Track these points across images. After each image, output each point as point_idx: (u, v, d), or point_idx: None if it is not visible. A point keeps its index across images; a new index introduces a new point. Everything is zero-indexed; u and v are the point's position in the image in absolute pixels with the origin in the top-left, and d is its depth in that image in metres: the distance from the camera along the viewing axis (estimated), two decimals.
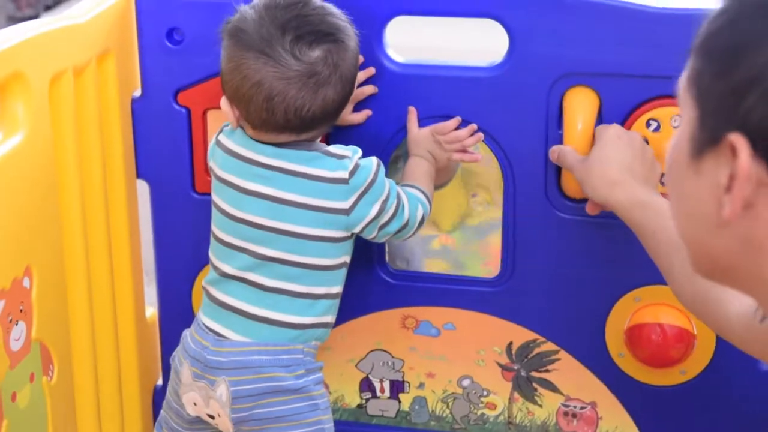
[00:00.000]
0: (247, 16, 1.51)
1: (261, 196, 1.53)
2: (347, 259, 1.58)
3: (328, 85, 1.50)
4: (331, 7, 1.54)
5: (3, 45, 1.42)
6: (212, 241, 1.59)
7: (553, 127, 1.64)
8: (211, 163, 1.60)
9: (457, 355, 1.79)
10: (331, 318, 1.59)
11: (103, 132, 1.69)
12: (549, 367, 1.76)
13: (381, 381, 1.84)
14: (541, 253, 1.70)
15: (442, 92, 1.66)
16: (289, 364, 1.54)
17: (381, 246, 1.75)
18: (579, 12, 1.59)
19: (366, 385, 1.85)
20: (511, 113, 1.65)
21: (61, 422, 1.60)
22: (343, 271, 1.58)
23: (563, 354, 1.75)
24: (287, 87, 1.48)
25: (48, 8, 5.37)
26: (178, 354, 1.61)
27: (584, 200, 1.66)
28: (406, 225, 1.57)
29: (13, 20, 5.05)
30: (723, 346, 1.68)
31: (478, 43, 1.85)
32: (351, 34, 1.53)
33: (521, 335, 1.75)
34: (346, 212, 1.52)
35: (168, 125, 1.74)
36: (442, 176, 1.72)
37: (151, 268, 1.83)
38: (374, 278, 1.77)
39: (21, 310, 1.47)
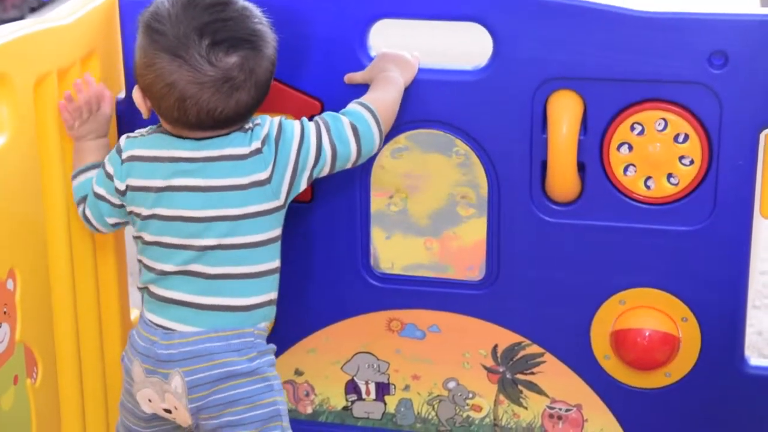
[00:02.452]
0: (163, 11, 1.50)
1: (189, 189, 1.53)
2: (280, 231, 1.57)
3: (242, 90, 1.50)
4: (253, 9, 1.53)
5: None
6: (141, 245, 1.57)
7: (538, 130, 1.64)
8: (124, 183, 1.55)
9: (442, 357, 1.79)
10: (275, 294, 1.58)
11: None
12: (534, 370, 1.77)
13: (366, 383, 1.84)
14: (526, 256, 1.71)
15: (426, 96, 1.66)
16: (240, 348, 1.54)
17: (366, 248, 1.75)
18: (563, 16, 1.59)
19: (351, 388, 1.85)
20: (496, 117, 1.65)
21: (45, 424, 1.60)
22: (279, 244, 1.58)
23: (548, 356, 1.75)
24: (200, 91, 1.48)
25: (33, 10, 5.36)
26: (127, 353, 1.60)
27: (569, 204, 1.67)
28: (336, 153, 1.54)
29: None
30: (708, 349, 1.68)
31: (462, 47, 1.85)
32: (269, 40, 1.53)
33: (506, 338, 1.76)
34: (269, 180, 1.52)
35: None
36: None
37: (135, 269, 1.82)
38: (359, 281, 1.77)
39: (5, 312, 1.47)
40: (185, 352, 1.53)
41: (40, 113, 1.56)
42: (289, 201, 1.56)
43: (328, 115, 1.57)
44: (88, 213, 1.62)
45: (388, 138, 1.67)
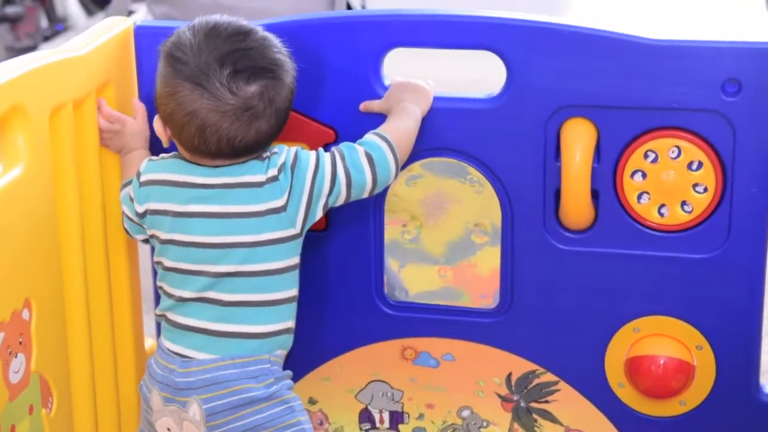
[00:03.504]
0: (186, 41, 1.52)
1: (205, 215, 1.54)
2: (298, 260, 1.58)
3: (262, 119, 1.52)
4: (272, 39, 1.55)
5: (4, 78, 1.42)
6: (161, 272, 1.59)
7: (551, 158, 1.65)
8: (143, 206, 1.58)
9: (456, 385, 1.79)
10: (292, 323, 1.59)
11: (102, 164, 1.69)
12: (549, 398, 1.76)
13: (380, 412, 1.84)
14: (540, 284, 1.71)
15: (440, 124, 1.67)
16: (257, 375, 1.54)
17: (380, 277, 1.76)
18: (577, 44, 1.59)
19: (365, 416, 1.84)
20: (509, 145, 1.66)
21: None
22: (297, 273, 1.58)
23: (563, 385, 1.75)
24: (221, 120, 1.50)
25: (47, 38, 5.39)
26: (145, 382, 1.60)
27: (583, 231, 1.67)
28: (351, 181, 1.55)
29: (12, 51, 5.06)
30: (723, 377, 1.68)
31: (476, 75, 1.85)
32: (289, 69, 1.55)
33: (521, 366, 1.75)
34: (284, 208, 1.53)
35: None
36: None
37: (150, 296, 1.83)
38: (373, 309, 1.77)
39: (20, 343, 1.47)
40: (203, 379, 1.53)
41: (56, 144, 1.56)
42: (306, 229, 1.56)
43: (343, 145, 1.58)
44: (126, 226, 1.66)
45: (402, 166, 1.67)
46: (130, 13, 4.84)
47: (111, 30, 1.71)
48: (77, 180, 1.62)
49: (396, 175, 1.59)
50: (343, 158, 1.56)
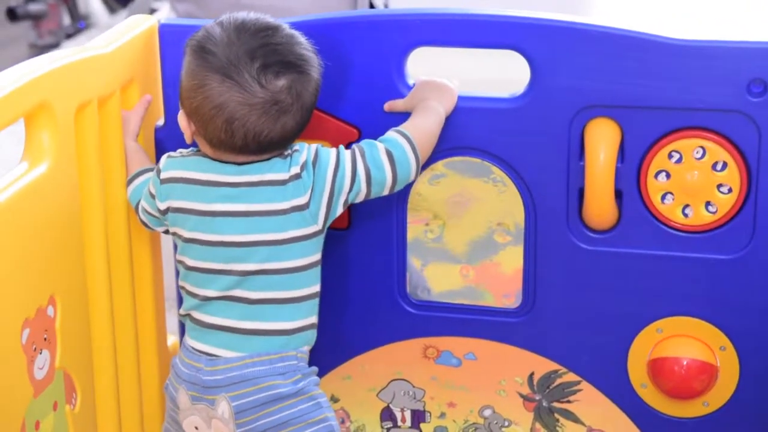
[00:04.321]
0: (216, 35, 1.53)
1: (231, 214, 1.54)
2: (320, 256, 1.59)
3: (288, 114, 1.53)
4: (299, 36, 1.56)
5: (30, 75, 1.43)
6: (183, 271, 1.59)
7: (575, 158, 1.65)
8: (165, 203, 1.59)
9: (478, 385, 1.79)
10: (316, 318, 1.60)
11: (126, 161, 1.70)
12: (571, 398, 1.76)
13: (402, 410, 1.84)
14: (563, 284, 1.70)
15: (464, 123, 1.67)
16: (285, 371, 1.55)
17: (402, 276, 1.76)
18: (601, 43, 1.59)
19: (387, 415, 1.84)
20: (533, 145, 1.65)
21: None
22: (319, 269, 1.59)
23: (585, 385, 1.74)
24: (249, 113, 1.51)
25: (69, 36, 5.41)
26: (171, 382, 1.61)
27: (607, 231, 1.67)
28: (371, 178, 1.56)
29: (35, 48, 5.09)
30: (746, 378, 1.67)
31: (500, 74, 1.85)
32: (316, 65, 1.56)
33: (543, 366, 1.75)
34: (307, 205, 1.54)
35: None
36: None
37: (173, 295, 1.83)
38: (395, 308, 1.78)
39: (45, 339, 1.48)
40: (231, 377, 1.54)
41: (81, 141, 1.57)
42: (327, 226, 1.57)
43: (364, 142, 1.58)
44: (143, 219, 1.66)
45: (425, 165, 1.67)
46: (152, 11, 4.86)
47: (136, 28, 1.71)
48: (101, 178, 1.63)
49: (417, 173, 1.59)
50: (363, 155, 1.56)
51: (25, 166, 1.45)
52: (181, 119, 1.57)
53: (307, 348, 1.58)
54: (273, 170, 1.54)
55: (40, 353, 1.46)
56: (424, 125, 1.61)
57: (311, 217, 1.55)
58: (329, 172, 1.55)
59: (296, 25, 1.61)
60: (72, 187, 1.55)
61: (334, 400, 1.85)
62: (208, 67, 1.51)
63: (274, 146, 1.54)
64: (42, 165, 1.47)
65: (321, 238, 1.58)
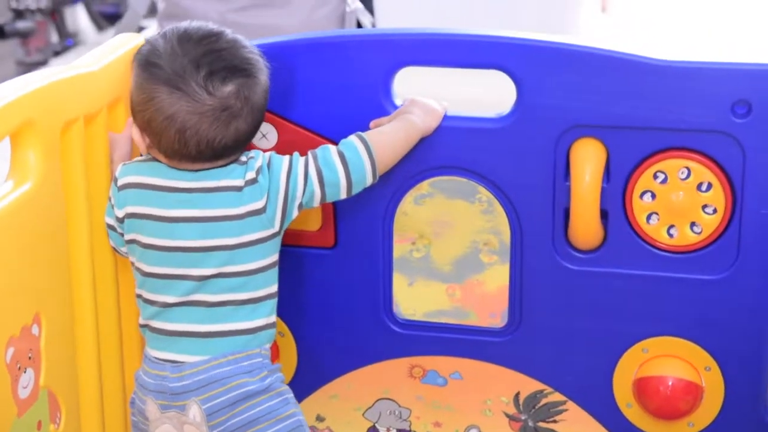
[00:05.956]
0: (160, 47, 1.55)
1: (187, 219, 1.55)
2: (277, 256, 1.60)
3: (240, 118, 1.54)
4: (243, 41, 1.57)
5: (16, 93, 1.42)
6: (140, 278, 1.60)
7: (561, 178, 1.65)
8: (123, 210, 1.59)
9: (464, 404, 1.79)
10: (275, 317, 1.61)
11: (112, 180, 1.69)
12: (556, 418, 1.76)
13: (388, 430, 1.83)
14: (549, 304, 1.71)
15: (449, 143, 1.67)
16: (251, 369, 1.56)
17: (388, 295, 1.76)
18: (587, 64, 1.60)
19: None
20: (519, 164, 1.66)
21: None
22: (277, 269, 1.60)
23: (571, 404, 1.75)
24: (200, 121, 1.52)
25: (57, 54, 5.41)
26: (137, 395, 1.61)
27: (592, 251, 1.67)
28: (323, 179, 1.57)
29: (22, 65, 5.08)
30: (731, 399, 1.68)
31: (486, 94, 1.86)
32: (262, 67, 1.58)
33: (528, 385, 1.75)
34: (264, 210, 1.55)
35: None
36: None
37: None
38: (381, 327, 1.77)
39: (29, 358, 1.47)
40: (199, 381, 1.54)
41: (67, 159, 1.56)
42: (284, 228, 1.58)
43: (320, 146, 1.60)
44: (112, 243, 1.66)
45: (411, 184, 1.68)
46: (140, 29, 4.85)
47: (123, 46, 1.71)
48: (87, 196, 1.62)
49: (375, 176, 1.60)
50: (315, 158, 1.58)
51: (10, 185, 1.45)
52: (135, 133, 1.58)
53: (269, 345, 1.60)
54: (230, 176, 1.56)
55: (25, 372, 1.46)
56: (390, 131, 1.63)
57: (268, 221, 1.56)
58: (282, 176, 1.57)
59: (285, 44, 1.61)
60: (58, 205, 1.54)
61: (319, 419, 1.84)
62: (155, 79, 1.53)
63: (230, 151, 1.56)
64: (27, 183, 1.46)
65: (278, 240, 1.60)
